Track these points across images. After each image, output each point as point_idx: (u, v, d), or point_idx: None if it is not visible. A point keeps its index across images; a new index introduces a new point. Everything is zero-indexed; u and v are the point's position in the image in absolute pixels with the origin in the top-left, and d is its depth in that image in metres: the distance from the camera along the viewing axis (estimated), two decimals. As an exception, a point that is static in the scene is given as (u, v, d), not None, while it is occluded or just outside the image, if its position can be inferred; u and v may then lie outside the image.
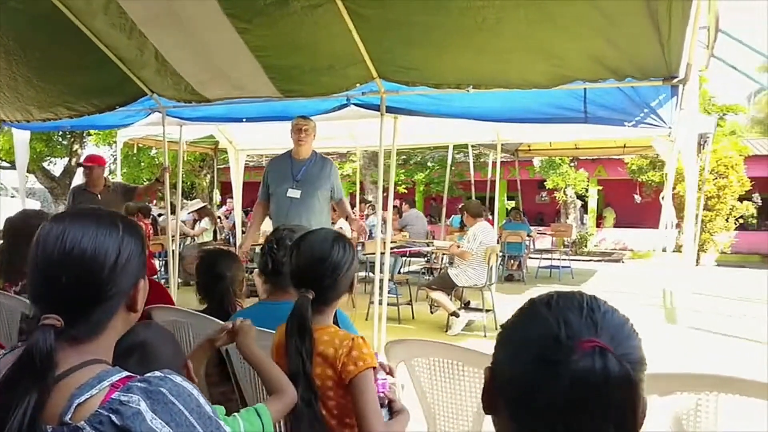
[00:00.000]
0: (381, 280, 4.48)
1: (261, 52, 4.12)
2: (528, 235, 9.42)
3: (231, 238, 9.59)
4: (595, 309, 0.74)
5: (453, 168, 15.36)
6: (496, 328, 5.67)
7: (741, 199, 13.50)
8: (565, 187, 14.63)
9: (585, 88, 3.93)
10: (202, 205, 8.53)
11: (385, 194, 5.06)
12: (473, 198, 10.80)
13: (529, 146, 10.72)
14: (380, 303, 4.45)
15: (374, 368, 1.46)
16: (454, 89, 4.11)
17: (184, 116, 5.39)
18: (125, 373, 0.88)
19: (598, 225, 18.14)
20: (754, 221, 15.43)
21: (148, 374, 0.87)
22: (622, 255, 15.34)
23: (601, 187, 16.58)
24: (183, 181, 17.55)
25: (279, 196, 4.26)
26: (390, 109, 4.52)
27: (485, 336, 5.39)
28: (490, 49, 3.65)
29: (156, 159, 17.45)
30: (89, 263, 0.91)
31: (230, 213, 10.67)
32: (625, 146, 10.09)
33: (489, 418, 0.78)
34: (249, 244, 4.58)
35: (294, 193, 4.18)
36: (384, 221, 4.99)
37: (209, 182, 18.43)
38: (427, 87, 4.18)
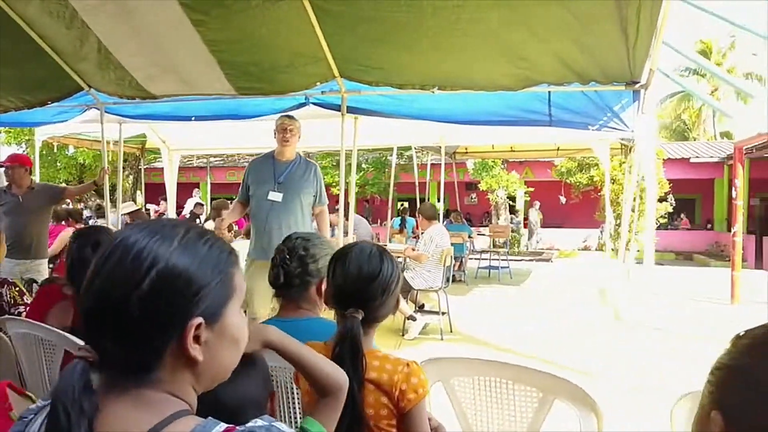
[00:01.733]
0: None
1: (217, 46, 3.90)
2: (469, 237, 9.52)
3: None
4: None
5: (387, 170, 15.36)
6: (452, 331, 5.67)
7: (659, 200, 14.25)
8: (497, 189, 14.96)
9: (549, 92, 3.96)
10: (135, 207, 8.01)
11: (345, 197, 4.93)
12: (410, 200, 10.81)
13: (466, 148, 10.83)
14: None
15: None
16: (418, 90, 4.05)
17: (125, 114, 5.01)
18: (223, 425, 0.72)
19: (524, 226, 18.69)
20: (665, 221, 16.37)
21: (251, 425, 0.73)
22: (551, 254, 15.86)
23: (532, 189, 17.08)
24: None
25: (259, 198, 4.02)
26: (350, 110, 4.40)
27: (442, 339, 5.35)
28: (460, 50, 3.61)
29: (75, 159, 16.43)
30: None
31: (164, 215, 10.15)
32: (558, 149, 10.40)
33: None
34: (226, 224, 4.32)
35: (275, 195, 3.95)
36: (345, 227, 4.83)
37: (132, 183, 17.56)
38: (390, 87, 4.10)
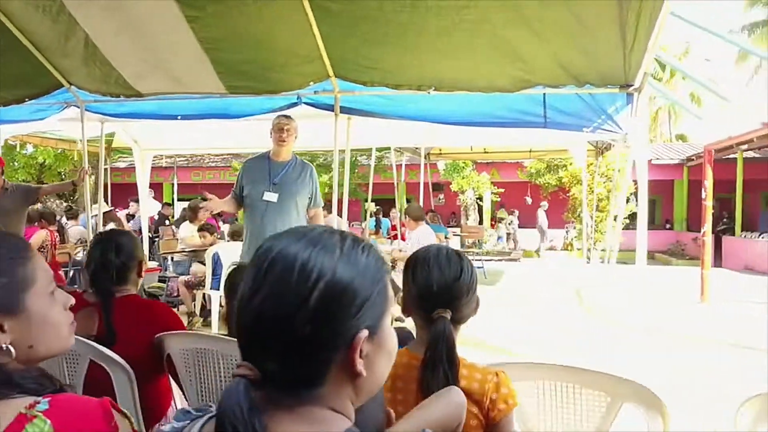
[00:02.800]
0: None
1: (210, 44, 3.80)
2: (446, 237, 9.57)
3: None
4: None
5: (356, 171, 15.32)
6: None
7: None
8: (466, 190, 15.10)
9: (544, 93, 4.00)
10: (108, 208, 7.76)
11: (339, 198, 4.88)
12: (379, 201, 10.78)
13: (440, 150, 10.89)
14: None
15: None
16: (414, 90, 4.04)
17: (106, 112, 4.83)
18: None
19: (491, 226, 18.92)
20: (626, 221, 16.81)
21: None
22: (518, 254, 16.09)
23: (503, 189, 17.29)
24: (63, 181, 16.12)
25: (254, 199, 3.93)
26: (343, 110, 4.35)
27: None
28: (461, 51, 3.60)
29: (34, 158, 15.82)
30: None
31: (135, 215, 9.86)
32: (531, 151, 10.56)
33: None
34: (218, 207, 4.22)
35: (271, 196, 3.87)
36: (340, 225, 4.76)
37: (94, 184, 17.02)
38: (386, 87, 4.07)
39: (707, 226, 8.21)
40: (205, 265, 6.38)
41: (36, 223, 6.01)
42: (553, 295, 8.75)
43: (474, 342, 5.35)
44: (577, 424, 1.46)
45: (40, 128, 6.56)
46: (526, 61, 3.60)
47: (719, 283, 9.55)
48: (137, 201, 9.31)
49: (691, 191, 18.96)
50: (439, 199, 21.54)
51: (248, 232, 4.05)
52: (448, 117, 4.26)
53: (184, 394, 1.89)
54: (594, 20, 3.26)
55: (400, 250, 5.78)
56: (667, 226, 19.71)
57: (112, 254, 1.88)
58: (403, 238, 11.13)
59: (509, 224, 16.67)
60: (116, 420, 0.86)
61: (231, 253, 5.36)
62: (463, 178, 14.63)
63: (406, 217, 5.96)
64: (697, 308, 7.82)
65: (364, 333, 0.71)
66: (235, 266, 2.24)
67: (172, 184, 18.20)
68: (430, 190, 11.26)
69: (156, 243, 8.92)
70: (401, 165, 12.41)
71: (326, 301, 0.68)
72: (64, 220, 9.19)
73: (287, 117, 4.01)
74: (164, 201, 12.22)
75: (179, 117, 4.70)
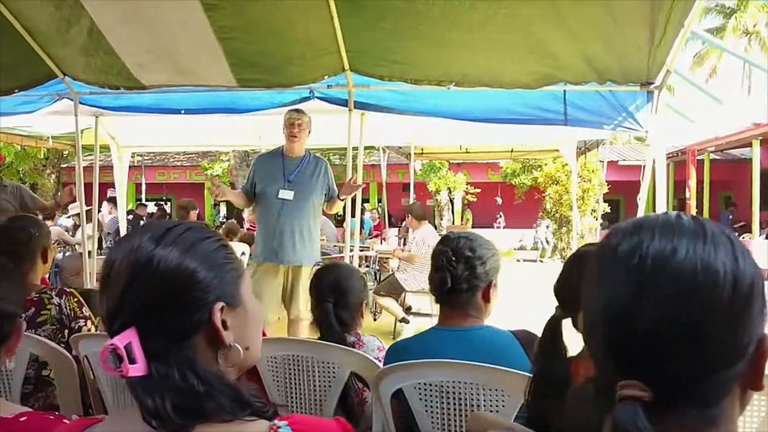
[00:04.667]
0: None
1: (226, 33, 3.62)
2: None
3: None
4: None
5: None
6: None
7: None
8: (441, 191, 15.12)
9: (564, 90, 3.96)
10: (86, 208, 7.38)
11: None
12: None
13: (422, 149, 10.80)
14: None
15: None
16: (434, 86, 3.95)
17: (102, 105, 4.57)
18: None
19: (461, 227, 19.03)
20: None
21: None
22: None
23: (479, 190, 17.37)
24: (23, 181, 15.44)
25: (269, 197, 3.79)
26: (357, 105, 4.22)
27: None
28: (490, 46, 3.54)
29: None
30: None
31: (112, 216, 9.45)
32: (512, 150, 10.58)
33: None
34: (225, 196, 4.03)
35: (286, 194, 3.74)
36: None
37: (54, 182, 16.37)
38: (404, 82, 3.97)
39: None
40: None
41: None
42: (539, 291, 8.77)
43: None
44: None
45: (22, 122, 6.20)
46: (555, 57, 3.56)
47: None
48: (111, 201, 8.94)
49: (657, 192, 19.45)
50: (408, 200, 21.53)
51: (262, 231, 3.90)
52: (466, 113, 4.18)
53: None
54: (626, 18, 3.24)
55: (403, 250, 5.68)
56: (632, 226, 20.14)
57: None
58: (384, 239, 11.06)
59: (546, 227, 16.64)
60: None
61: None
62: (440, 178, 14.65)
63: (408, 217, 5.86)
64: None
65: None
66: (322, 265, 2.11)
67: (136, 184, 17.67)
68: (401, 190, 11.19)
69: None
70: (378, 165, 12.33)
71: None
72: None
73: (299, 111, 3.88)
74: (137, 201, 11.77)
75: (182, 111, 4.49)
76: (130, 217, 10.23)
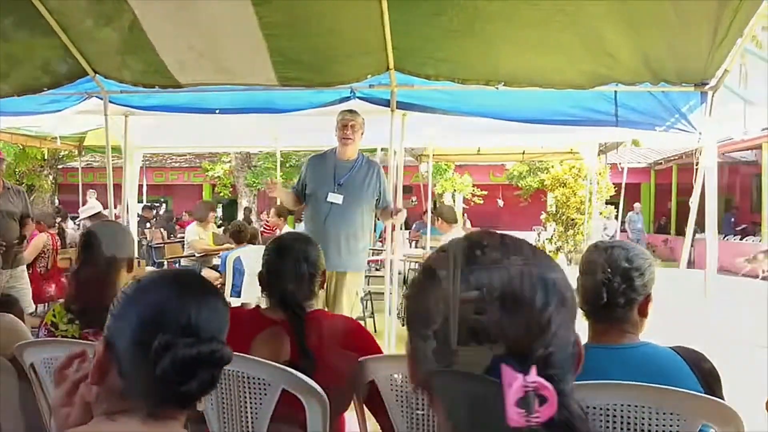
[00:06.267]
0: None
1: (274, 30, 3.49)
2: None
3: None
4: None
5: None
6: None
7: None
8: (447, 192, 15.04)
9: (615, 91, 3.86)
10: (98, 210, 7.21)
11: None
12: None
13: (432, 151, 10.69)
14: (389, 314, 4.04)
15: None
16: (482, 85, 3.83)
17: (133, 104, 4.42)
18: None
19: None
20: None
21: None
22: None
23: (486, 192, 17.29)
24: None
25: (318, 200, 3.67)
26: (400, 105, 4.10)
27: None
28: (547, 44, 3.43)
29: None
30: None
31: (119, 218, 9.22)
32: (524, 152, 10.52)
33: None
34: (277, 193, 4.02)
35: (335, 198, 3.62)
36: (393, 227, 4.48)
37: (52, 183, 16.09)
38: (451, 81, 3.85)
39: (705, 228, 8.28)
40: (216, 270, 5.99)
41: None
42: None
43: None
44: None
45: (31, 122, 6.01)
46: (613, 56, 3.45)
47: (697, 284, 9.65)
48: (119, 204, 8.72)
49: (659, 195, 19.51)
50: (412, 201, 21.43)
51: (309, 233, 3.77)
52: (515, 114, 4.08)
53: (390, 428, 1.59)
54: (692, 17, 3.15)
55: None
56: (633, 228, 20.21)
57: (303, 264, 1.59)
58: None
59: (604, 230, 16.51)
60: None
61: (256, 258, 4.99)
62: (446, 180, 14.56)
63: (438, 220, 5.75)
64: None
65: None
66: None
67: (143, 185, 17.43)
68: (402, 192, 11.07)
69: (152, 248, 8.38)
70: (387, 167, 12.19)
71: None
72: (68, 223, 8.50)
73: (352, 112, 3.75)
74: (145, 203, 11.57)
75: (217, 111, 4.34)
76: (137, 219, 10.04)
